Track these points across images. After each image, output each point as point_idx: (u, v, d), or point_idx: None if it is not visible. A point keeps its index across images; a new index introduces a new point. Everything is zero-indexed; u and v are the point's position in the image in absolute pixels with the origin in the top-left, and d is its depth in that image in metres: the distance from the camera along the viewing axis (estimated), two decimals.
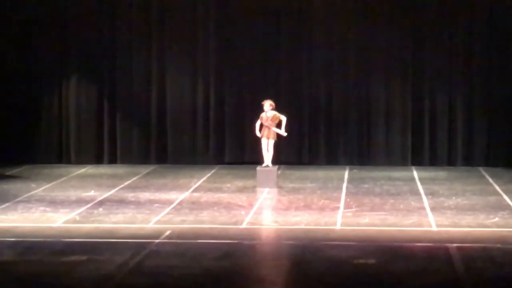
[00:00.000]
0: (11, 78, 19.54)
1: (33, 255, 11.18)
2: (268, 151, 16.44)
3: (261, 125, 16.48)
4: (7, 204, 14.67)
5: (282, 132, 16.38)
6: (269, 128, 16.40)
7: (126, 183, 17.04)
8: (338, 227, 12.99)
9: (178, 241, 12.00)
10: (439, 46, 19.08)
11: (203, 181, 17.24)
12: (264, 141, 16.47)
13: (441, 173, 18.26)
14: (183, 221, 13.35)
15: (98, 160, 19.74)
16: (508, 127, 19.05)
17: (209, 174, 18.11)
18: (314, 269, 10.57)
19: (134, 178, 17.63)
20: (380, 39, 19.16)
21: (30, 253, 11.29)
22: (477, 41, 19.04)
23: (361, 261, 10.85)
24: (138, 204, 14.77)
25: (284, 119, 16.40)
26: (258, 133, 16.46)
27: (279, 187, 16.40)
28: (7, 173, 18.17)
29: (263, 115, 16.43)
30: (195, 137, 19.71)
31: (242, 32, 19.42)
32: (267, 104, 16.40)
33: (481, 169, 18.66)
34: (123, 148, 19.79)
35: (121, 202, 14.90)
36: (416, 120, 19.33)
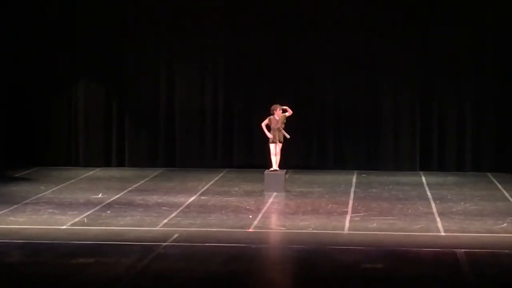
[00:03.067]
0: (20, 80, 19.57)
1: (41, 257, 11.21)
2: (276, 155, 16.42)
3: (267, 126, 16.44)
4: (15, 206, 14.70)
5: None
6: (279, 131, 16.38)
7: (134, 186, 17.06)
8: (345, 231, 12.98)
9: (186, 244, 12.01)
10: (448, 51, 19.05)
11: (211, 185, 17.25)
12: (272, 146, 16.44)
13: (449, 178, 18.23)
14: (190, 224, 13.36)
15: (106, 162, 19.76)
16: None
17: (217, 178, 18.12)
18: (321, 274, 10.57)
19: (142, 181, 17.65)
20: (389, 44, 19.13)
21: (38, 255, 11.31)
22: (486, 46, 19.00)
23: (369, 265, 10.84)
24: (146, 207, 14.78)
25: (291, 112, 16.34)
26: (268, 134, 16.40)
27: (287, 191, 16.39)
28: (16, 175, 18.21)
29: (272, 118, 16.41)
30: (203, 140, 19.72)
31: (251, 36, 19.42)
32: (278, 109, 16.34)
33: (489, 174, 18.62)
34: (132, 151, 19.82)
35: (129, 205, 14.92)
36: (424, 124, 19.30)
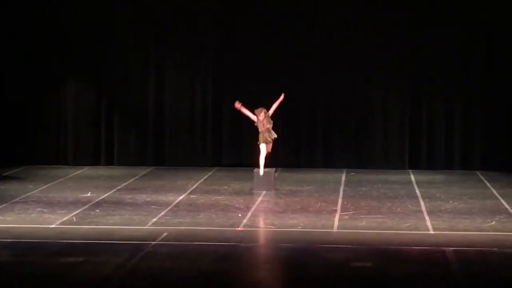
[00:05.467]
0: (9, 79, 19.53)
1: (30, 256, 11.18)
2: (267, 157, 16.09)
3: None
4: (4, 205, 14.67)
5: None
6: (269, 131, 16.22)
7: (123, 184, 17.04)
8: (335, 230, 13.00)
9: (175, 243, 12.00)
10: (438, 50, 19.10)
11: (200, 183, 17.24)
12: (262, 147, 16.15)
13: (438, 177, 18.27)
14: (180, 223, 13.35)
15: (95, 161, 19.73)
16: (506, 131, 19.06)
17: (206, 176, 18.11)
18: (310, 272, 10.57)
19: (131, 180, 17.62)
20: (379, 44, 19.15)
21: (27, 254, 11.28)
22: (476, 44, 19.05)
23: (358, 264, 10.85)
24: (135, 205, 14.76)
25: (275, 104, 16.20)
26: (251, 115, 16.17)
27: (276, 189, 16.38)
28: (5, 174, 18.16)
29: (257, 121, 16.09)
30: (193, 139, 19.71)
31: (241, 34, 19.42)
32: (263, 113, 16.05)
33: (478, 173, 18.67)
34: (121, 150, 19.79)
35: (118, 204, 14.90)
36: (413, 123, 19.33)
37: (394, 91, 19.39)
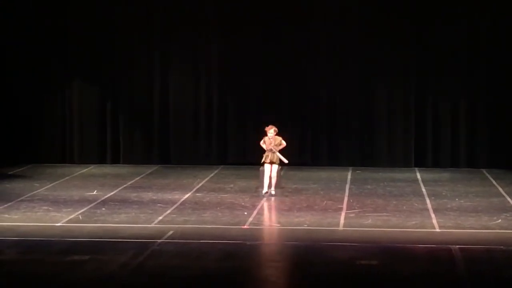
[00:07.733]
0: (14, 78, 19.56)
1: (36, 254, 11.20)
2: (271, 177, 15.53)
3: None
4: (10, 203, 14.69)
5: (284, 159, 15.56)
6: (273, 152, 15.60)
7: (129, 183, 17.05)
8: (340, 228, 12.99)
9: (181, 241, 12.01)
10: (443, 48, 19.07)
11: (206, 182, 17.25)
12: (267, 167, 15.51)
13: (444, 175, 18.25)
14: (185, 221, 13.36)
15: (101, 160, 19.74)
16: None
17: (212, 175, 18.11)
18: (316, 270, 10.57)
19: (137, 178, 17.64)
20: (383, 42, 19.13)
21: (32, 252, 11.30)
22: (481, 43, 19.03)
23: (364, 262, 10.86)
24: (141, 204, 14.78)
25: (284, 144, 15.61)
26: (264, 146, 15.55)
27: (282, 187, 16.36)
28: (11, 173, 18.19)
29: (266, 139, 15.57)
30: (198, 137, 19.71)
31: (245, 33, 19.41)
32: (272, 130, 15.50)
33: (484, 170, 18.65)
34: (126, 148, 19.80)
35: (124, 202, 14.92)
36: (419, 121, 19.31)
37: (400, 89, 19.36)
